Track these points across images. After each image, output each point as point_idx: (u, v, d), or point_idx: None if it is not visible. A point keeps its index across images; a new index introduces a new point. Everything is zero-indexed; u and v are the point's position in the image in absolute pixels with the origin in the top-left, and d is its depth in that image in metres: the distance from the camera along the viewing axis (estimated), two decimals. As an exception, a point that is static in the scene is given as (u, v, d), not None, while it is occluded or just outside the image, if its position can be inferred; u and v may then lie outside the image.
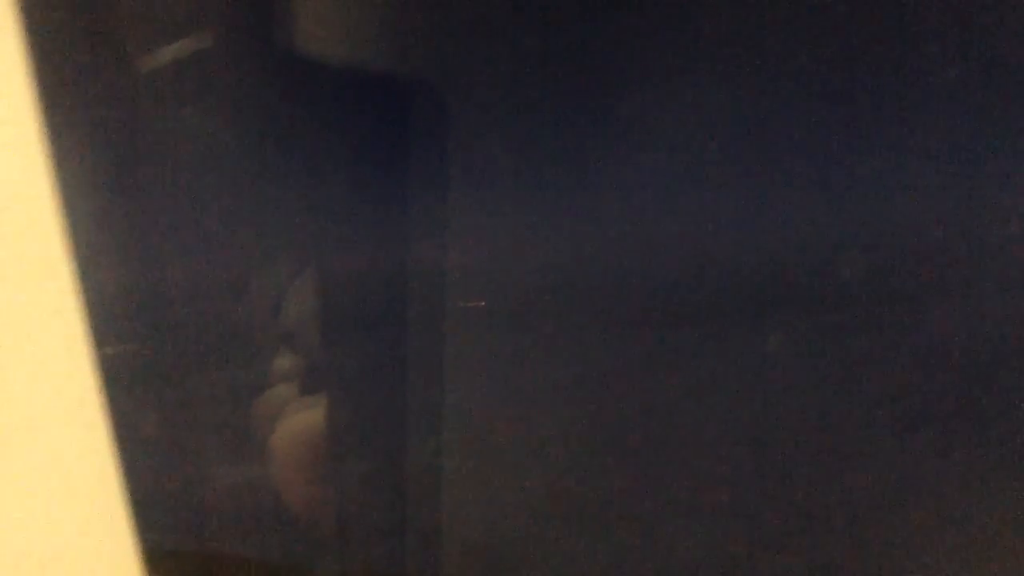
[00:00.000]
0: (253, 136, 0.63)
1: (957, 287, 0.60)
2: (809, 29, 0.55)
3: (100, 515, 0.54)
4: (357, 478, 0.70)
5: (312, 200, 0.64)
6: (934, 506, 0.64)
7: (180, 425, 0.68)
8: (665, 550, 0.68)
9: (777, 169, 0.58)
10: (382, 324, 0.66)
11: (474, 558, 0.70)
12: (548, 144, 0.59)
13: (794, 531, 0.66)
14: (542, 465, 0.67)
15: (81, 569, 0.54)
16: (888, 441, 0.64)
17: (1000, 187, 0.58)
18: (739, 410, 0.64)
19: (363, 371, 0.68)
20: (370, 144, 0.62)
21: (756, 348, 0.62)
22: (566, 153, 0.59)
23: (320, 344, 0.68)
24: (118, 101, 0.61)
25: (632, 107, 0.58)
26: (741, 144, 0.58)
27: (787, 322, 0.61)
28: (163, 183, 0.63)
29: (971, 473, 0.63)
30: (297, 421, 0.69)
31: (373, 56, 0.60)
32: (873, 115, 0.57)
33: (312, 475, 0.70)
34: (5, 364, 0.50)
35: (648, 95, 0.57)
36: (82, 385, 0.52)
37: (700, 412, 0.64)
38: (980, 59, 0.55)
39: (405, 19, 0.58)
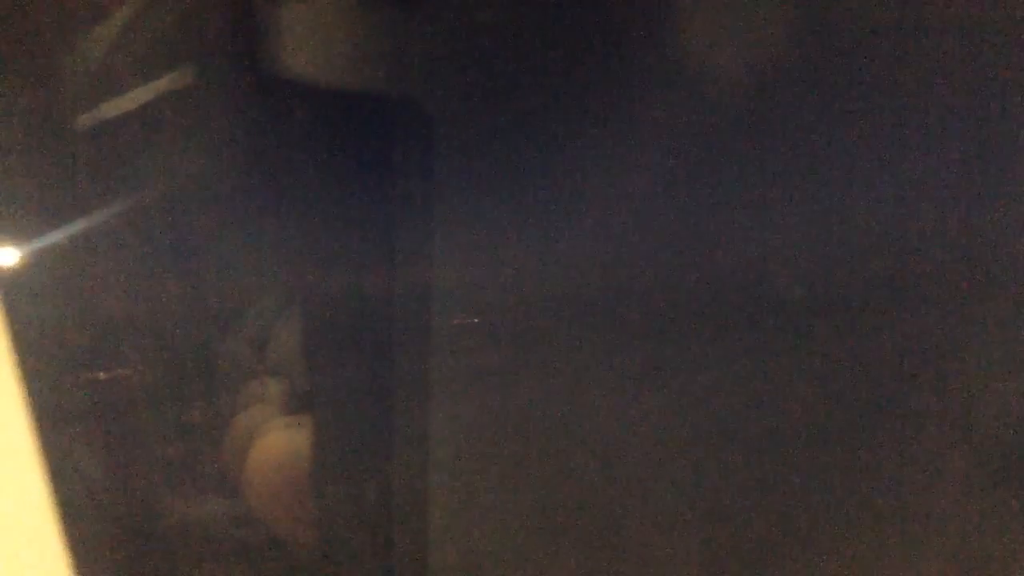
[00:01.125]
0: (237, 158, 0.63)
1: (949, 293, 0.60)
2: (795, 41, 0.55)
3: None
4: (344, 501, 0.70)
5: (297, 219, 0.64)
6: (929, 511, 0.65)
7: (161, 451, 0.67)
8: (660, 566, 0.68)
9: (763, 181, 0.59)
10: (371, 344, 0.65)
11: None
12: (537, 160, 0.59)
13: (786, 545, 0.67)
14: (531, 486, 0.67)
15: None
16: (878, 446, 0.64)
17: (991, 195, 0.58)
18: (733, 422, 0.64)
19: (351, 392, 0.67)
20: (356, 162, 0.62)
21: (748, 361, 0.62)
22: (555, 169, 0.59)
23: (306, 366, 0.68)
24: (103, 120, 0.59)
25: (621, 123, 0.58)
26: (729, 156, 0.58)
27: (775, 333, 0.62)
28: (146, 207, 0.62)
29: (966, 477, 0.64)
30: (284, 443, 0.69)
31: (358, 84, 0.59)
32: (865, 124, 0.57)
33: (299, 498, 0.69)
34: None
35: (636, 112, 0.58)
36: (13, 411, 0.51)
37: (692, 426, 0.64)
38: (975, 67, 0.55)
39: (390, 39, 0.58)
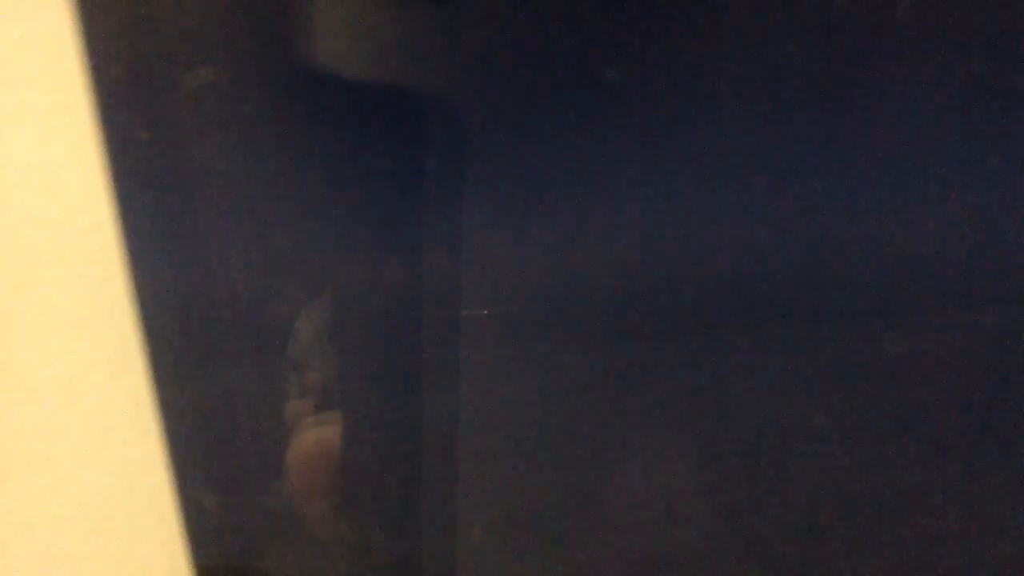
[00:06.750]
0: (272, 153, 0.63)
1: (950, 297, 0.60)
2: (806, 39, 0.56)
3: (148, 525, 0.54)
4: (375, 490, 0.70)
5: (327, 217, 0.65)
6: (930, 513, 0.64)
7: (203, 439, 0.67)
8: (678, 557, 0.68)
9: (774, 183, 0.59)
10: (393, 336, 0.66)
11: (488, 565, 0.70)
12: (552, 157, 0.60)
13: (793, 542, 0.66)
14: (555, 475, 0.67)
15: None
16: (877, 448, 0.64)
17: (994, 200, 0.58)
18: (749, 415, 0.64)
19: (378, 384, 0.68)
20: (381, 160, 0.63)
21: (758, 357, 0.62)
22: (570, 166, 0.60)
23: (334, 358, 0.68)
24: (171, 133, 0.60)
25: (636, 123, 0.59)
26: (740, 158, 0.59)
27: (785, 331, 0.61)
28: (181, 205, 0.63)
29: (968, 479, 0.63)
30: (314, 437, 0.69)
31: (385, 81, 0.60)
32: (866, 128, 0.57)
33: (332, 489, 0.70)
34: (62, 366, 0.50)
35: (650, 113, 0.58)
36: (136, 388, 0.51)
37: (705, 418, 0.63)
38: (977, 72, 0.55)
39: (415, 35, 0.59)
